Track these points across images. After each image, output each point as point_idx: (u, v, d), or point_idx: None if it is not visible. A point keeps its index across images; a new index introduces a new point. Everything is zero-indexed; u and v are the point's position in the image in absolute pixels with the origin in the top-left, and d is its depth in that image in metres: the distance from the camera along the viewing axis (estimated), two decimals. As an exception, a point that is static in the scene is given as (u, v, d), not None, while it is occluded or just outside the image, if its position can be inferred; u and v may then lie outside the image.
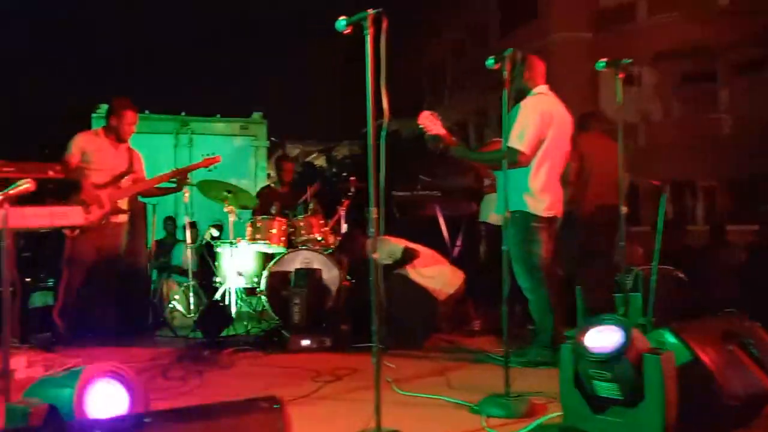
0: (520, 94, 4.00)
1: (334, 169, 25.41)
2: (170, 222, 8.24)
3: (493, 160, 4.16)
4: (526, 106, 3.91)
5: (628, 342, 2.48)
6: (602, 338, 2.58)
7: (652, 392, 2.35)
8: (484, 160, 4.33)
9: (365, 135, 2.83)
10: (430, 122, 4.08)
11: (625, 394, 2.47)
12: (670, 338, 2.64)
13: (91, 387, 2.16)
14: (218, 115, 9.38)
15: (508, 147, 3.91)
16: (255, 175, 9.07)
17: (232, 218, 5.74)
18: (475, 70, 17.20)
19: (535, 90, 4.03)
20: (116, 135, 4.96)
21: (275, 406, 1.44)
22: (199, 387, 3.65)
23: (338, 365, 4.09)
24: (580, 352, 2.56)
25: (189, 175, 5.72)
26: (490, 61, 3.33)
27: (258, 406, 1.43)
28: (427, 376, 3.80)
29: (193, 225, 6.17)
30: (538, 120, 3.90)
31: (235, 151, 9.01)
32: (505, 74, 3.25)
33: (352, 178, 6.08)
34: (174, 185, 5.06)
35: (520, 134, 3.87)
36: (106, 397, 2.21)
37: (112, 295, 5.08)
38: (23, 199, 3.96)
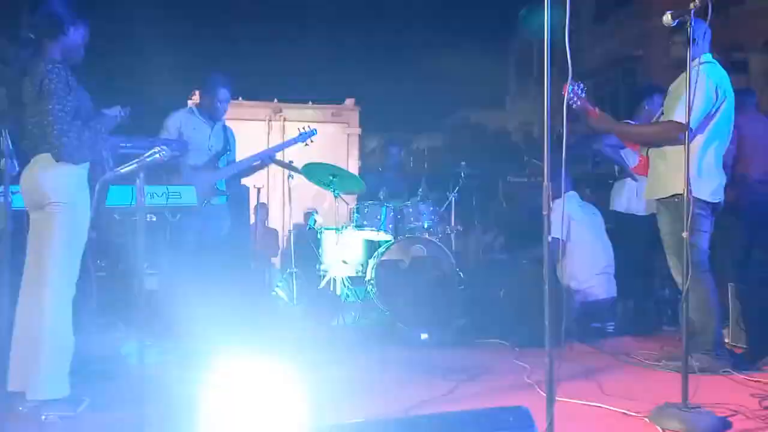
0: (684, 62, 3.49)
1: (411, 162, 25.25)
2: (263, 208, 8.11)
3: (649, 134, 3.68)
4: (695, 75, 3.40)
5: None
6: None
7: None
8: (637, 134, 3.86)
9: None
10: (574, 95, 3.66)
11: None
12: None
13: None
14: (310, 102, 9.19)
15: (671, 120, 3.44)
16: (347, 163, 8.81)
17: (337, 203, 5.49)
18: (567, 58, 16.45)
19: (704, 58, 3.51)
20: (210, 113, 4.78)
21: (528, 422, 1.08)
22: (323, 383, 3.35)
23: (466, 363, 3.74)
24: None
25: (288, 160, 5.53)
26: (667, 18, 2.87)
27: (507, 420, 1.08)
28: (572, 380, 3.37)
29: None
30: (708, 92, 3.39)
31: (327, 139, 8.78)
32: (689, 32, 2.77)
33: (462, 163, 5.73)
34: (259, 161, 4.85)
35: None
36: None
37: (215, 282, 4.88)
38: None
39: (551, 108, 2.64)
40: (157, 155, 2.35)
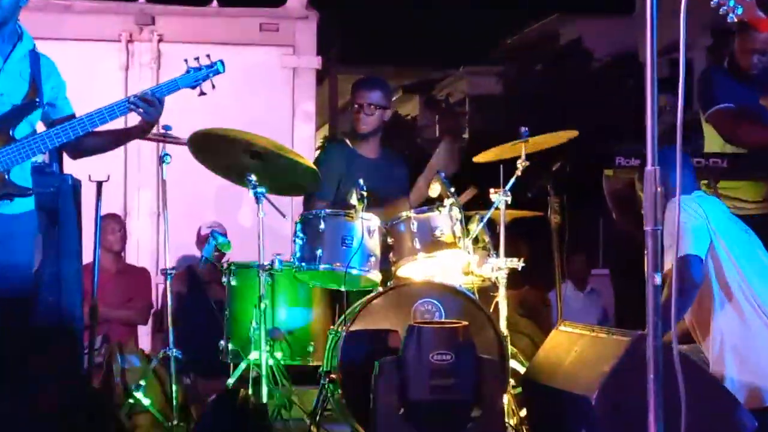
0: None
1: (436, 124, 24.84)
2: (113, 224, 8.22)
3: None
4: None
5: None
6: None
7: None
8: None
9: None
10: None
11: None
12: None
13: None
14: (214, 3, 9.34)
15: None
16: (292, 128, 8.98)
17: (262, 212, 5.62)
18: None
19: None
20: None
21: None
22: None
23: None
24: None
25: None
26: None
27: None
28: None
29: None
30: None
31: (247, 79, 8.94)
32: None
33: (523, 129, 5.88)
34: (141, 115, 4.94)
35: None
36: None
37: (13, 369, 5.00)
38: None
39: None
40: None
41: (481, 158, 6.15)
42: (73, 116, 4.97)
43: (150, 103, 4.90)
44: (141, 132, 5.16)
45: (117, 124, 5.09)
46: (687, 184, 4.99)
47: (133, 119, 5.10)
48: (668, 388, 3.18)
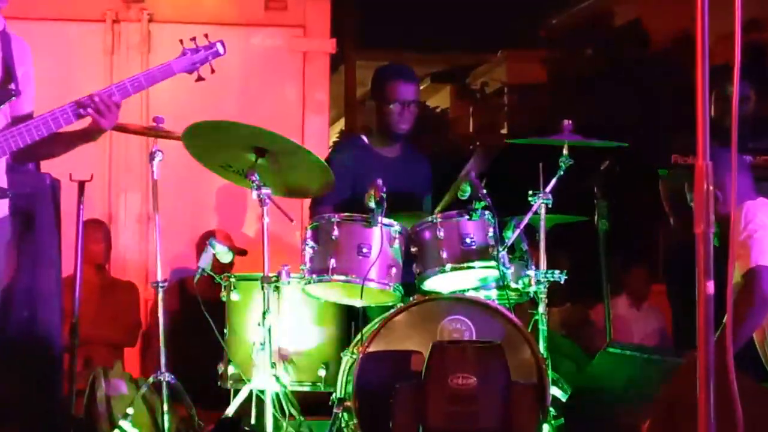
0: None
1: (471, 117, 24.87)
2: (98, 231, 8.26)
3: None
4: None
5: None
6: None
7: None
8: None
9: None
10: None
11: None
12: None
13: None
14: (210, -20, 9.38)
15: None
16: (302, 121, 9.01)
17: (266, 216, 5.62)
18: None
19: None
20: None
21: None
22: None
23: None
24: None
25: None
26: None
27: None
28: None
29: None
30: None
31: (252, 64, 8.99)
32: None
33: (566, 122, 5.90)
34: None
35: None
36: None
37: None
38: None
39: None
40: None
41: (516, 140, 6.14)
42: (31, 115, 4.85)
43: (107, 107, 4.74)
44: (87, 137, 4.93)
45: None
46: (748, 188, 5.03)
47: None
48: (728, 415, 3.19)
